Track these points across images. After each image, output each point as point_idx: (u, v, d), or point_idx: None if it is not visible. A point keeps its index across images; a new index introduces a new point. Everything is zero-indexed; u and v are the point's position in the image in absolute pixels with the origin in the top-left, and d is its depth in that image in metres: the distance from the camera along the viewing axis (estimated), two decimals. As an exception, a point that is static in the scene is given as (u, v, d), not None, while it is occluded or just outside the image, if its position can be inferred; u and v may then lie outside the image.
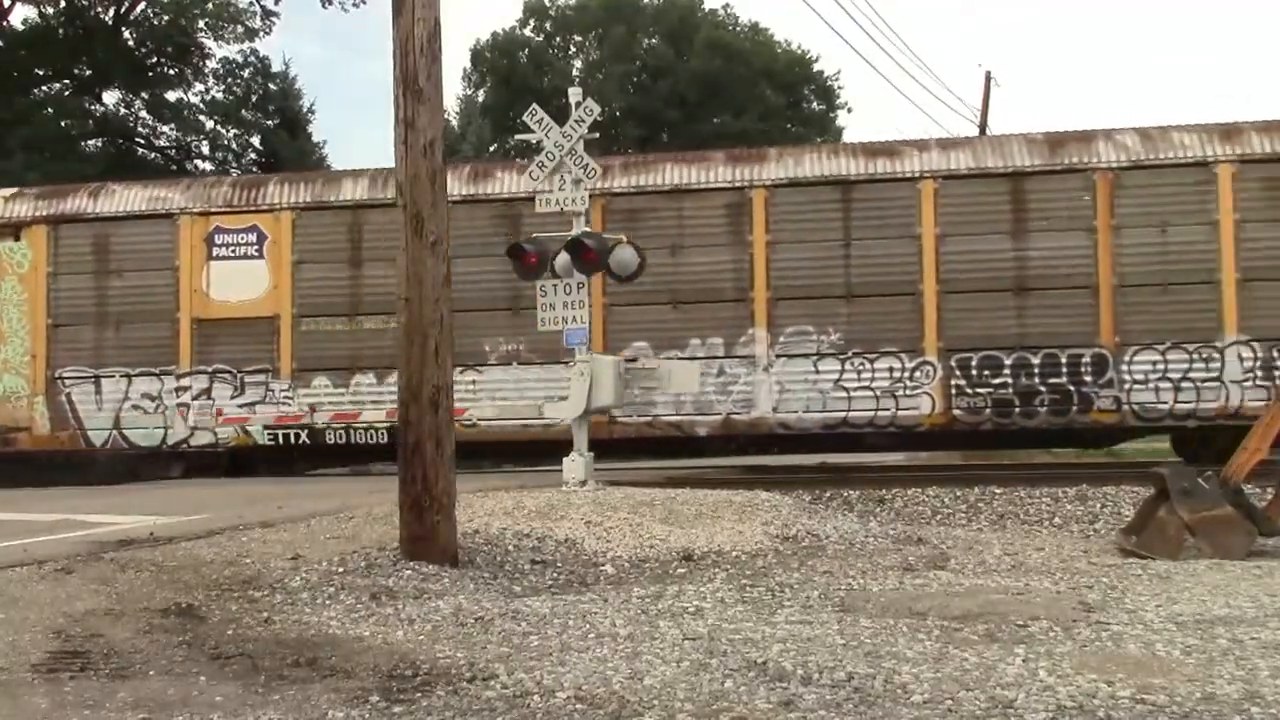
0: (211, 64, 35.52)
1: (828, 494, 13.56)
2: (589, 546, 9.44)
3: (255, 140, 35.97)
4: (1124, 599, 7.50)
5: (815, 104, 43.56)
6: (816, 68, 42.98)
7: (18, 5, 33.51)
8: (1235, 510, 9.97)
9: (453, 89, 43.39)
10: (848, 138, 40.74)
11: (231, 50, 35.59)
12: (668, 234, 16.54)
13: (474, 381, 16.78)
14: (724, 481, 14.15)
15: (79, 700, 5.06)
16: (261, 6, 34.67)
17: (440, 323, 8.55)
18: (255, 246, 17.53)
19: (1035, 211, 16.07)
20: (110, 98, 35.46)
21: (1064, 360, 15.76)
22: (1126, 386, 15.63)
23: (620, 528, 9.95)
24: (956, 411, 16.01)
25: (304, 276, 17.39)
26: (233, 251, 17.56)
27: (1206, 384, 15.42)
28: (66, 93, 34.28)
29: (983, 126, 33.69)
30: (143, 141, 35.72)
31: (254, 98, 35.98)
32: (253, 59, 35.82)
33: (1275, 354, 15.29)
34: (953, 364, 16.03)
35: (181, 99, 35.40)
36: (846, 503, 13.30)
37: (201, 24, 34.44)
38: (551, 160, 12.89)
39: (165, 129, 35.74)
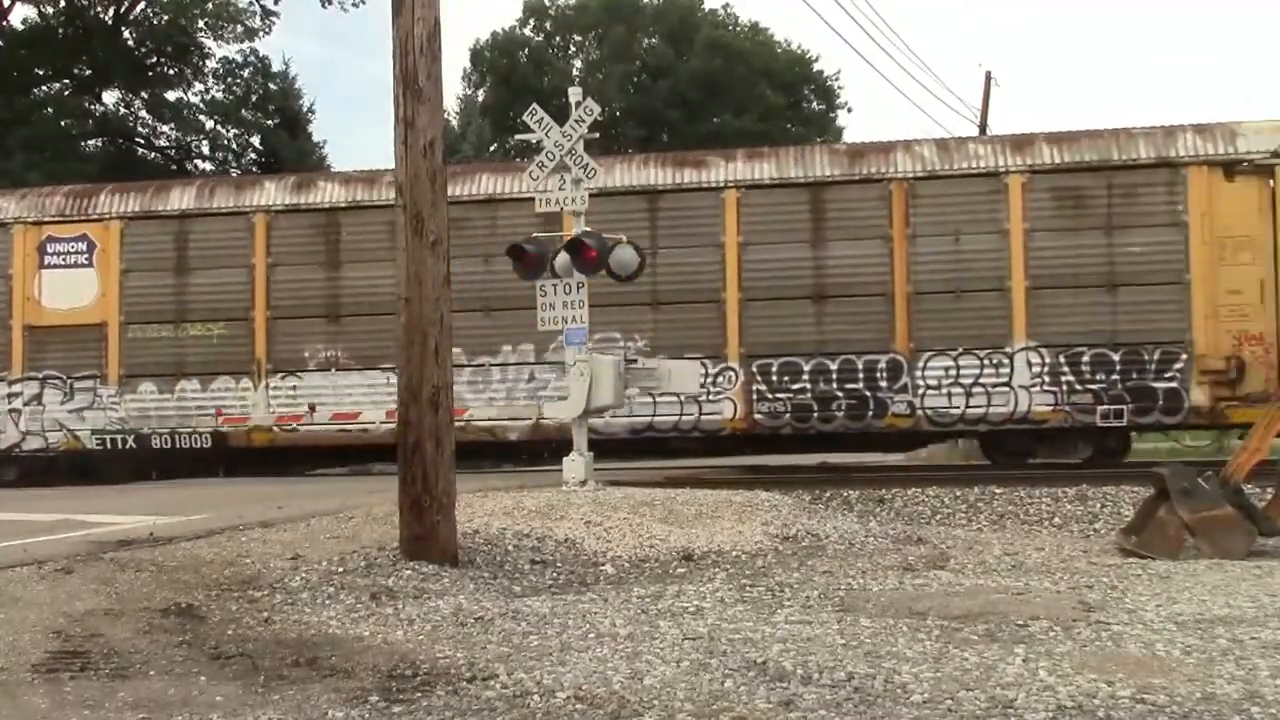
0: (211, 64, 35.56)
1: (828, 494, 13.57)
2: (589, 546, 9.44)
3: (255, 140, 35.98)
4: (1124, 599, 7.50)
5: (815, 104, 43.55)
6: (816, 68, 42.99)
7: (18, 5, 33.56)
8: (1235, 510, 9.97)
9: (453, 89, 43.41)
10: (848, 137, 40.79)
11: (231, 50, 35.64)
12: (481, 243, 16.85)
13: (295, 387, 17.38)
14: (724, 481, 14.16)
15: (79, 700, 5.06)
16: (261, 6, 34.71)
17: (440, 322, 8.56)
18: (85, 255, 17.99)
19: (834, 220, 16.41)
20: (110, 97, 35.51)
21: (860, 366, 16.15)
22: (921, 392, 16.02)
23: (620, 528, 9.95)
24: (757, 416, 16.43)
25: (131, 285, 17.84)
26: (64, 260, 18.02)
27: (997, 389, 15.83)
28: (66, 93, 34.27)
29: (983, 126, 33.70)
30: (142, 141, 35.72)
31: (254, 97, 35.97)
32: (252, 59, 35.83)
33: (1062, 360, 15.70)
34: (754, 370, 16.43)
35: (181, 99, 35.43)
36: (846, 503, 13.31)
37: (201, 24, 34.45)
38: (551, 160, 12.89)
39: (165, 129, 35.77)
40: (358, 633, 6.40)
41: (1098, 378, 15.65)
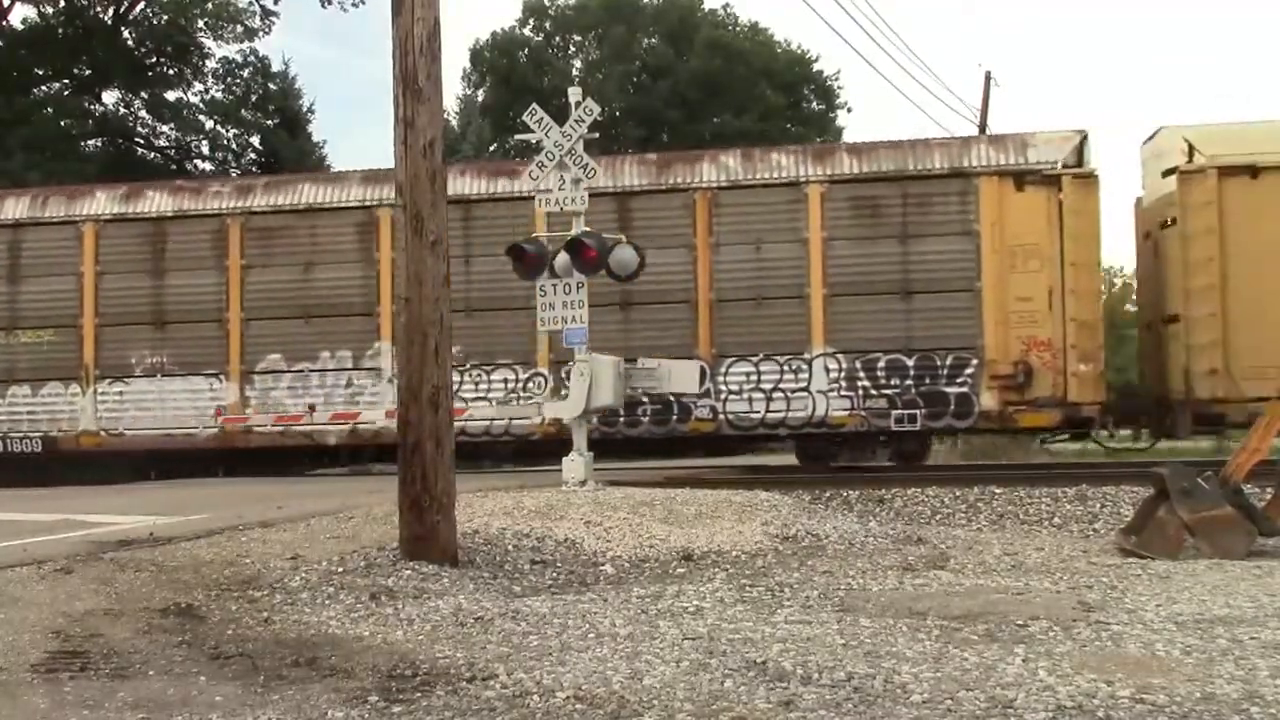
0: (211, 64, 35.57)
1: (827, 494, 13.57)
2: (589, 546, 9.44)
3: (255, 140, 35.99)
4: (1124, 599, 7.50)
5: (815, 104, 43.54)
6: (816, 68, 42.99)
7: (18, 5, 33.55)
8: (1235, 510, 9.97)
9: (453, 89, 43.40)
10: (848, 137, 40.76)
11: (231, 50, 35.64)
12: (302, 251, 17.49)
13: (121, 393, 17.74)
14: (724, 481, 14.16)
15: (79, 700, 5.06)
16: (261, 6, 34.72)
17: (440, 322, 8.56)
18: None
19: (642, 229, 16.54)
20: (110, 97, 35.52)
21: None
22: (723, 397, 16.40)
23: (620, 528, 9.95)
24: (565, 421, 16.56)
25: None
26: None
27: (796, 394, 16.23)
28: (66, 93, 34.27)
29: (982, 126, 33.66)
30: (142, 141, 35.73)
31: (254, 97, 35.97)
32: (252, 59, 35.84)
33: (858, 365, 16.12)
34: (562, 375, 16.43)
35: (181, 99, 35.44)
36: (846, 503, 13.31)
37: (201, 24, 34.45)
38: (551, 160, 12.88)
39: (165, 129, 35.78)
40: (357, 633, 6.40)
41: (892, 383, 16.04)
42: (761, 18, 72.91)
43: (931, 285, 16.11)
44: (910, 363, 15.99)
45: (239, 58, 35.64)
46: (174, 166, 34.60)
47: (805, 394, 16.20)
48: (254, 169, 34.07)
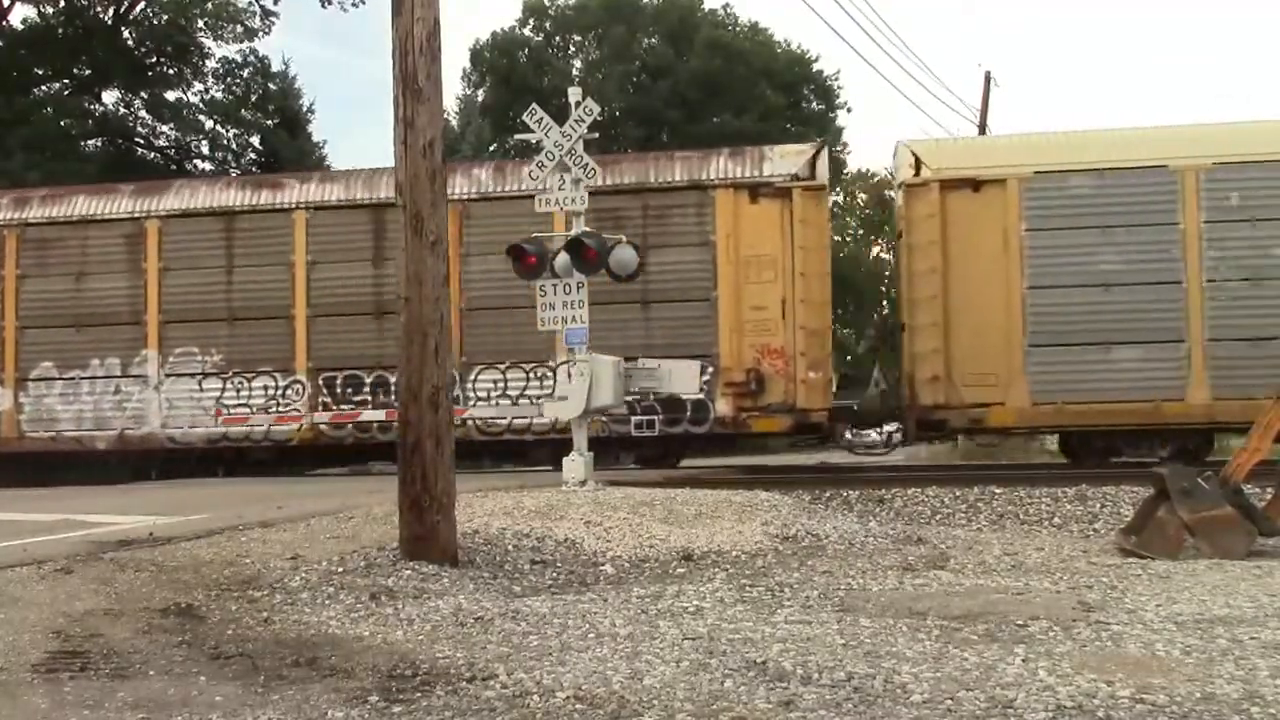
0: (211, 64, 35.58)
1: (827, 494, 13.56)
2: (589, 546, 9.44)
3: (255, 140, 35.99)
4: (1124, 599, 7.50)
5: (815, 104, 43.54)
6: (816, 68, 43.00)
7: (18, 5, 33.54)
8: (1235, 510, 9.97)
9: (453, 89, 43.40)
10: (848, 138, 40.83)
11: (231, 50, 35.64)
12: (74, 262, 18.10)
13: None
14: (724, 481, 14.15)
15: (79, 700, 5.06)
16: (261, 6, 34.72)
17: (440, 322, 8.56)
18: None
19: (395, 240, 16.68)
20: (110, 97, 35.52)
21: None
22: (472, 403, 17.00)
23: (620, 528, 9.95)
24: (322, 427, 17.33)
25: None
26: None
27: (542, 400, 16.47)
28: (66, 93, 34.26)
29: (982, 126, 33.68)
30: (142, 141, 35.73)
31: (254, 97, 35.97)
32: (252, 59, 35.84)
33: None
34: (320, 382, 17.32)
35: (181, 99, 35.44)
36: (846, 503, 13.29)
37: (201, 24, 34.44)
38: (551, 160, 12.88)
39: (165, 129, 35.78)
40: (357, 633, 6.40)
41: (632, 390, 16.22)
42: (761, 18, 73.05)
43: (670, 295, 16.67)
44: None
45: (239, 58, 35.71)
46: (174, 166, 34.60)
47: (550, 400, 16.55)
48: (254, 169, 34.07)
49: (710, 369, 16.27)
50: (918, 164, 16.62)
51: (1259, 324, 15.71)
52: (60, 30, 33.34)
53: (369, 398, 17.22)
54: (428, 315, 8.51)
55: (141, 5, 34.16)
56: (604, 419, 16.29)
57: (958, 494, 13.34)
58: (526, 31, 43.71)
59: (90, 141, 35.00)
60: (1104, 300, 15.85)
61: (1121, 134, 17.05)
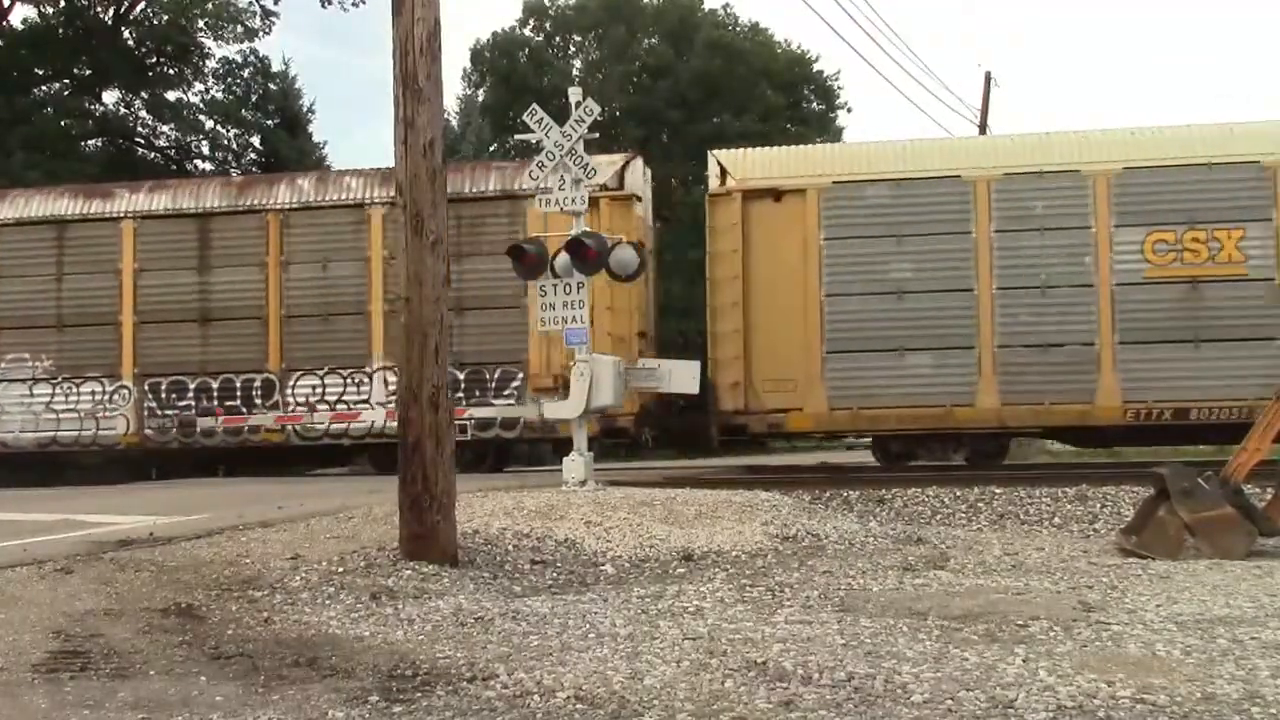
0: (211, 64, 35.53)
1: (828, 494, 13.56)
2: (589, 546, 9.44)
3: (255, 140, 35.97)
4: (1124, 599, 7.50)
5: (815, 104, 43.49)
6: (816, 68, 42.91)
7: (18, 5, 33.51)
8: (1235, 510, 9.97)
9: (453, 89, 43.32)
10: (848, 138, 40.71)
11: (231, 50, 35.60)
12: None
13: None
14: (724, 481, 14.16)
15: (79, 700, 5.06)
16: (261, 6, 34.66)
17: (440, 322, 8.56)
18: None
19: (220, 248, 17.79)
20: (110, 97, 35.48)
21: (239, 384, 17.66)
22: (291, 408, 17.44)
23: (620, 528, 9.94)
24: (148, 431, 17.77)
25: None
26: None
27: (358, 405, 17.34)
28: (66, 92, 34.24)
29: (982, 126, 33.63)
30: (142, 141, 35.71)
31: (254, 97, 35.95)
32: (252, 59, 35.80)
33: None
34: (146, 388, 17.72)
35: (181, 99, 35.40)
36: (846, 503, 13.30)
37: (201, 24, 34.39)
38: (551, 160, 12.88)
39: (165, 129, 35.74)
40: (358, 633, 6.40)
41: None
42: (761, 18, 72.99)
43: (482, 302, 17.13)
44: (462, 376, 16.90)
45: (239, 58, 35.66)
46: (174, 166, 34.59)
47: (366, 406, 17.31)
48: (254, 169, 34.06)
49: (520, 375, 16.90)
50: (723, 174, 17.06)
51: (1047, 331, 15.98)
52: (60, 30, 33.33)
53: (193, 403, 17.68)
54: (428, 315, 8.51)
55: (141, 5, 34.15)
56: (342, 425, 17.05)
57: (958, 494, 13.34)
58: (526, 31, 43.66)
59: (90, 141, 34.99)
60: (898, 307, 16.17)
61: (917, 144, 17.57)
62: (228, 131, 35.76)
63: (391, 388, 16.61)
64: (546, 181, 13.06)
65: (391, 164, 9.14)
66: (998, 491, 13.30)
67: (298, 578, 7.68)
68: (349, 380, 17.27)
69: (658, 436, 18.38)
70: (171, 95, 35.21)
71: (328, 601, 7.17)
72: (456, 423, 16.29)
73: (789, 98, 41.77)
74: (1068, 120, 77.75)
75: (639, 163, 17.75)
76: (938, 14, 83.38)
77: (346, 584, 7.58)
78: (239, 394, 17.54)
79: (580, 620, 6.70)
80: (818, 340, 16.15)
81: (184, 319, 17.75)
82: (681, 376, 13.82)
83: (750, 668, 5.51)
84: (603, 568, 8.94)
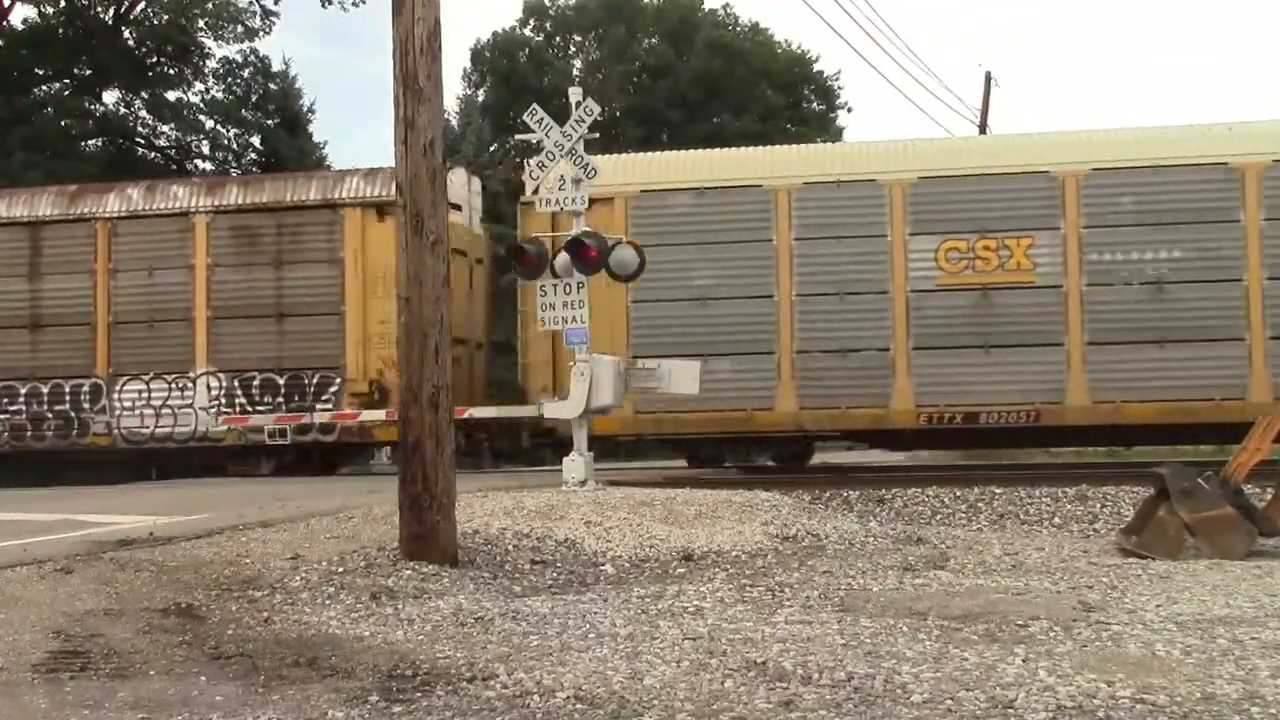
0: (211, 64, 35.51)
1: (828, 494, 13.57)
2: (589, 546, 9.44)
3: (255, 140, 35.95)
4: (1124, 599, 7.50)
5: (815, 104, 43.49)
6: (816, 68, 42.90)
7: (18, 5, 33.51)
8: (1235, 510, 9.97)
9: (453, 89, 43.28)
10: (848, 137, 40.70)
11: (231, 50, 35.58)
12: None
13: None
14: (724, 481, 14.16)
15: (79, 700, 5.06)
16: (261, 6, 34.65)
17: (440, 322, 8.55)
18: None
19: (51, 257, 18.05)
20: (110, 97, 35.46)
21: (68, 390, 17.90)
22: (118, 413, 17.72)
23: (620, 528, 9.94)
24: None
25: None
26: None
27: (182, 410, 17.60)
28: (66, 92, 34.24)
29: (983, 127, 33.63)
30: (143, 141, 35.70)
31: (254, 97, 35.93)
32: (253, 58, 35.79)
33: (236, 384, 17.49)
34: None
35: (181, 99, 35.38)
36: (846, 503, 13.30)
37: (201, 24, 34.38)
38: (551, 160, 12.88)
39: (165, 129, 35.73)
40: (358, 633, 6.40)
41: (266, 400, 17.45)
42: (761, 18, 72.92)
43: (302, 309, 17.47)
44: (282, 381, 17.31)
45: (239, 58, 35.64)
46: (174, 166, 34.58)
47: (190, 410, 17.54)
48: (254, 169, 34.06)
49: (338, 380, 17.18)
50: None
51: (844, 336, 16.16)
52: (60, 30, 33.32)
53: (23, 408, 17.94)
54: (428, 316, 8.51)
55: (142, 5, 34.15)
56: (239, 428, 17.31)
57: (958, 494, 13.35)
58: (526, 31, 43.65)
59: (90, 141, 34.99)
60: (702, 314, 16.35)
61: (722, 154, 17.97)
62: (228, 131, 35.78)
63: (214, 392, 17.42)
64: (546, 181, 13.04)
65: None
66: (998, 491, 13.31)
67: (298, 578, 7.68)
68: (174, 385, 17.64)
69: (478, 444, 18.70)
70: (171, 95, 35.24)
71: (328, 601, 7.17)
72: (279, 425, 17.15)
73: (789, 98, 41.77)
74: (1068, 120, 77.69)
75: (460, 173, 18.26)
76: (938, 14, 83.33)
77: (346, 584, 7.58)
78: (68, 399, 17.85)
79: (580, 620, 6.70)
80: (624, 346, 16.18)
81: (15, 325, 18.06)
82: (682, 376, 13.81)
83: (750, 668, 5.51)
84: (603, 568, 8.94)
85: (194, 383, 17.50)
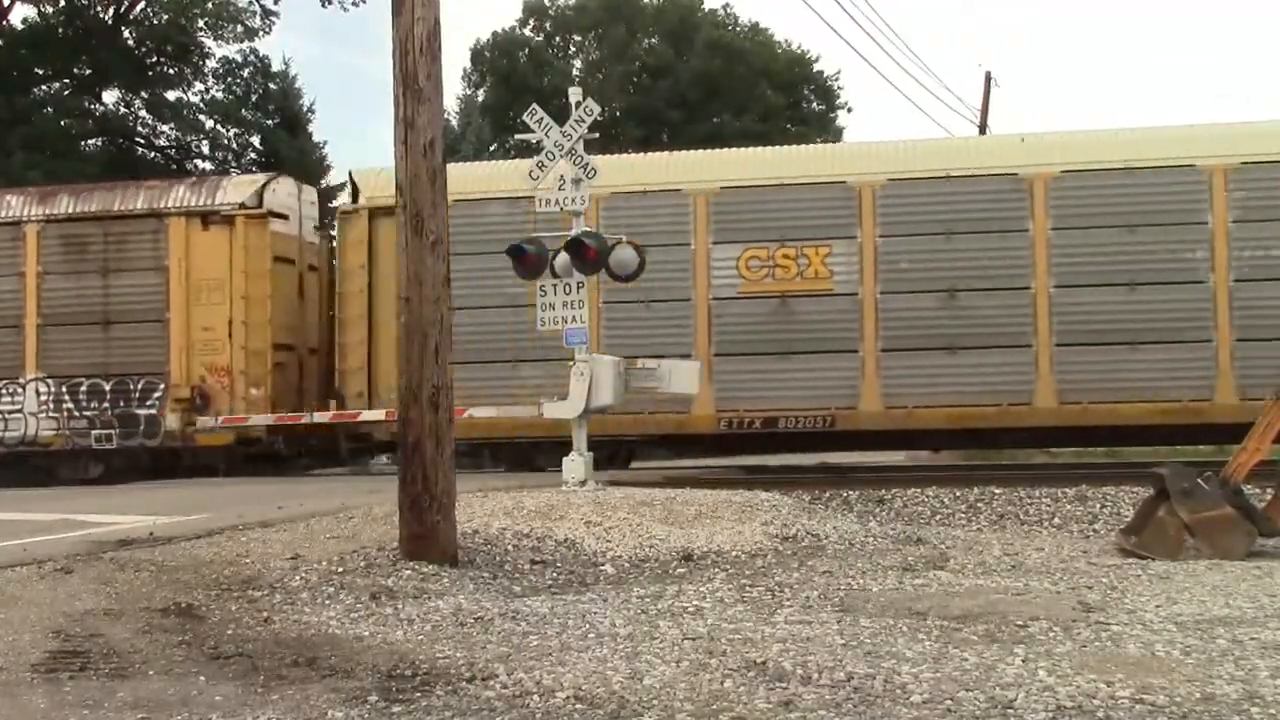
0: (211, 63, 35.52)
1: (827, 494, 13.57)
2: (589, 546, 9.43)
3: (255, 140, 35.95)
4: (1124, 599, 7.50)
5: (815, 104, 43.49)
6: (816, 68, 42.89)
7: (18, 5, 33.53)
8: (1235, 510, 9.97)
9: (453, 89, 43.29)
10: (848, 137, 40.71)
11: (231, 50, 35.59)
12: None
13: None
14: (724, 481, 14.16)
15: (78, 700, 5.06)
16: (261, 6, 34.65)
17: (440, 322, 8.55)
18: None
19: None
20: (110, 97, 35.48)
21: None
22: None
23: (620, 528, 9.94)
24: None
25: None
26: None
27: (12, 415, 17.78)
28: (66, 92, 34.25)
29: (983, 127, 33.63)
30: (143, 141, 35.71)
31: (254, 97, 35.94)
32: (252, 58, 35.79)
33: (64, 390, 17.72)
34: None
35: (181, 98, 35.39)
36: (846, 503, 13.30)
37: (201, 23, 34.39)
38: (551, 160, 12.87)
39: (165, 129, 35.74)
40: (357, 633, 6.40)
41: (92, 405, 17.66)
42: (761, 18, 72.88)
43: (128, 316, 17.67)
44: (108, 387, 17.54)
45: (239, 57, 35.65)
46: (174, 166, 34.59)
47: (20, 415, 17.73)
48: (255, 168, 34.06)
49: (162, 386, 17.46)
50: (355, 191, 17.79)
51: (649, 344, 15.96)
52: (60, 30, 33.33)
53: None
54: (428, 315, 8.50)
55: (141, 5, 34.16)
56: (68, 432, 17.59)
57: (958, 494, 13.34)
58: (526, 31, 43.65)
59: (90, 141, 35.00)
60: (514, 320, 16.38)
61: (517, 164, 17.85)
62: (228, 131, 35.78)
63: (43, 397, 17.65)
64: (545, 181, 13.02)
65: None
66: (997, 492, 13.30)
67: (297, 578, 7.68)
68: (4, 390, 17.86)
69: (298, 449, 18.88)
70: (171, 95, 35.25)
71: (327, 601, 7.17)
72: (105, 430, 17.46)
73: (789, 98, 41.77)
74: (1068, 120, 77.70)
75: (286, 182, 18.69)
76: (938, 14, 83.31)
77: (346, 584, 7.58)
78: None
79: (580, 620, 6.70)
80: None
81: None
82: (682, 376, 13.80)
83: (750, 668, 5.51)
84: (602, 568, 8.94)
85: (24, 388, 17.78)
